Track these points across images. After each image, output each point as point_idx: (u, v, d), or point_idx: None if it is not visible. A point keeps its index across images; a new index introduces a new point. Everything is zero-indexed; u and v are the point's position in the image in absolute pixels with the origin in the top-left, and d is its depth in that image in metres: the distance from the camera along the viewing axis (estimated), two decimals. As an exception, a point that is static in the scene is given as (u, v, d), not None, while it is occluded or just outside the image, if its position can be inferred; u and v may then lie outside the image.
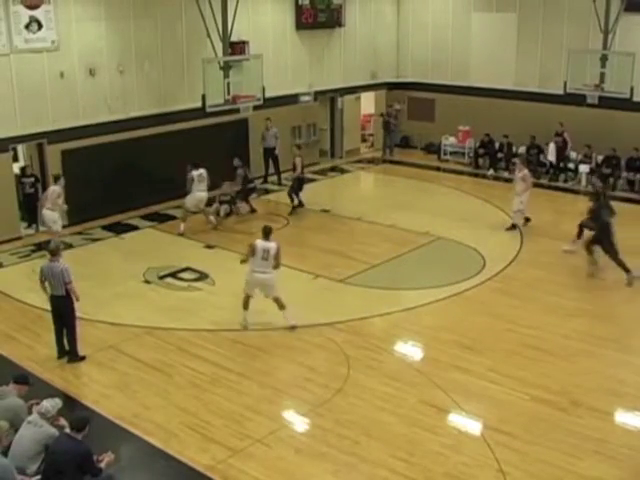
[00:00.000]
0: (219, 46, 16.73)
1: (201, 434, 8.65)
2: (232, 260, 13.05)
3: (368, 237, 15.83)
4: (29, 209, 15.88)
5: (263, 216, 17.19)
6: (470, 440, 8.60)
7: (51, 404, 7.30)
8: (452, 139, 22.70)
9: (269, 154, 19.63)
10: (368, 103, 23.94)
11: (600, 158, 19.66)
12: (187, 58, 18.06)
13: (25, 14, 15.09)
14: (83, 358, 10.43)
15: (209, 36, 16.44)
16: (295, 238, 16.02)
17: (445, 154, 22.77)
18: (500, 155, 21.33)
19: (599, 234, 13.38)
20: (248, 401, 9.36)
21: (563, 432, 8.61)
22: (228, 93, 16.51)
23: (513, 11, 21.27)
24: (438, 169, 21.99)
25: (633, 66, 17.97)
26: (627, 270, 13.01)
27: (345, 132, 23.01)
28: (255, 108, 17.55)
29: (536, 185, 17.44)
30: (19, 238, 15.47)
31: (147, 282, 13.34)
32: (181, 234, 15.71)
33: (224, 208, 16.86)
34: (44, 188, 15.85)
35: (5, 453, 7.04)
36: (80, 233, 16.02)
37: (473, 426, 8.84)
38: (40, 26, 15.34)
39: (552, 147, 20.04)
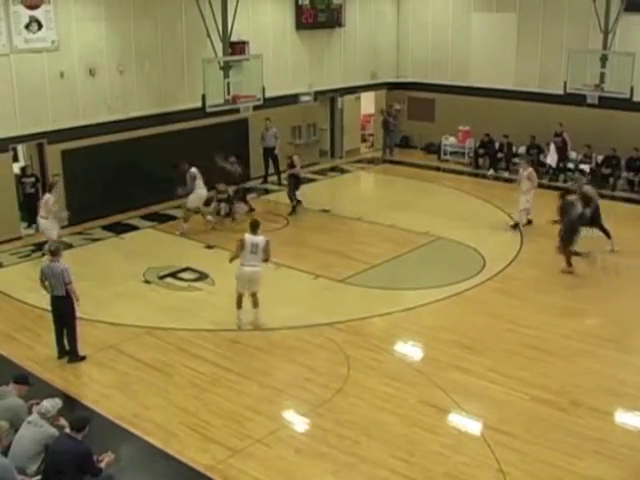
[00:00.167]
0: (219, 46, 16.73)
1: (201, 434, 8.66)
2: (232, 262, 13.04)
3: (368, 237, 15.83)
4: (29, 209, 15.85)
5: (263, 216, 17.15)
6: (470, 440, 8.61)
7: (51, 404, 7.30)
8: (452, 139, 22.70)
9: (269, 154, 19.62)
10: (368, 103, 23.94)
11: (600, 158, 19.67)
12: (187, 58, 18.06)
13: (25, 14, 15.09)
14: (83, 358, 10.43)
15: (209, 36, 16.44)
16: (295, 238, 16.04)
17: (445, 154, 22.77)
18: (500, 155, 21.33)
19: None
20: (248, 401, 9.36)
21: (563, 432, 8.61)
22: (228, 93, 16.51)
23: (513, 11, 21.27)
24: (438, 169, 21.99)
25: (633, 66, 17.97)
26: (569, 264, 13.47)
27: (345, 132, 23.01)
28: (255, 108, 17.56)
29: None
30: (19, 238, 15.47)
31: (147, 282, 13.34)
32: (183, 234, 15.70)
33: (224, 207, 16.81)
34: (44, 188, 15.87)
35: (5, 453, 7.04)
36: (80, 233, 16.02)
37: (473, 426, 8.84)
38: (40, 26, 15.34)
39: (552, 149, 20.03)
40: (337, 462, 8.12)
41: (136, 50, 17.15)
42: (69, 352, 10.42)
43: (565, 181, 20.01)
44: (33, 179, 15.92)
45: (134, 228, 16.50)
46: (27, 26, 15.17)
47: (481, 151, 21.73)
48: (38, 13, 15.27)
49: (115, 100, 16.91)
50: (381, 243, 15.32)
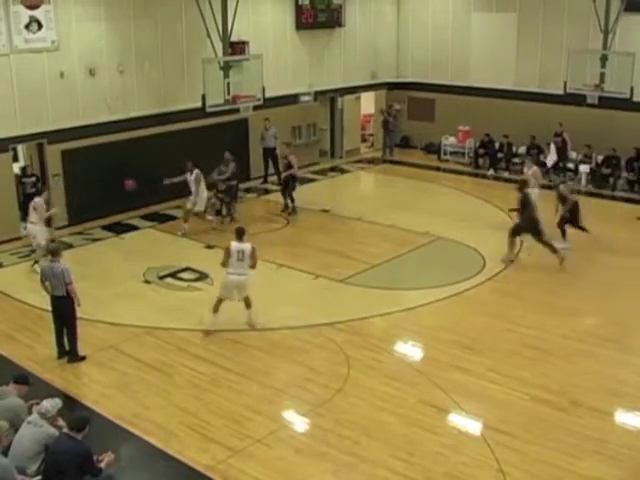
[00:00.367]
0: (219, 46, 16.73)
1: (201, 434, 8.66)
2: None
3: (368, 237, 15.83)
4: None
5: (263, 216, 17.22)
6: (470, 440, 8.61)
7: (51, 404, 7.30)
8: (452, 139, 22.71)
9: (269, 154, 19.60)
10: (368, 103, 23.94)
11: (600, 158, 19.67)
12: (187, 58, 18.06)
13: (25, 14, 15.09)
14: (83, 358, 10.43)
15: (209, 36, 16.44)
16: (295, 238, 16.04)
17: (445, 154, 22.78)
18: (500, 155, 21.34)
19: (524, 228, 13.90)
20: (248, 401, 9.37)
21: (563, 432, 8.61)
22: (228, 93, 16.51)
23: (513, 11, 21.28)
24: (438, 169, 22.00)
25: (633, 66, 17.98)
26: (555, 251, 13.75)
27: (345, 132, 23.02)
28: (255, 108, 17.55)
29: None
30: (19, 238, 15.45)
31: (147, 282, 13.34)
32: (185, 234, 15.68)
33: (225, 200, 16.59)
34: (44, 188, 15.87)
35: (5, 453, 7.04)
36: (80, 233, 16.04)
37: (473, 426, 8.84)
38: (40, 26, 15.34)
39: (552, 148, 20.04)
40: (337, 462, 8.12)
41: (136, 50, 17.15)
42: (69, 352, 10.42)
43: (563, 181, 20.01)
44: (33, 179, 15.93)
45: (134, 228, 16.50)
46: (27, 26, 15.17)
47: (481, 151, 21.73)
48: (38, 13, 15.27)
49: (115, 100, 16.91)
50: (381, 243, 15.33)
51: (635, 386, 9.71)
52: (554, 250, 13.72)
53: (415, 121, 23.87)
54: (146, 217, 17.14)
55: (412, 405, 9.25)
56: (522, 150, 20.88)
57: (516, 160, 21.01)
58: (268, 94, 17.53)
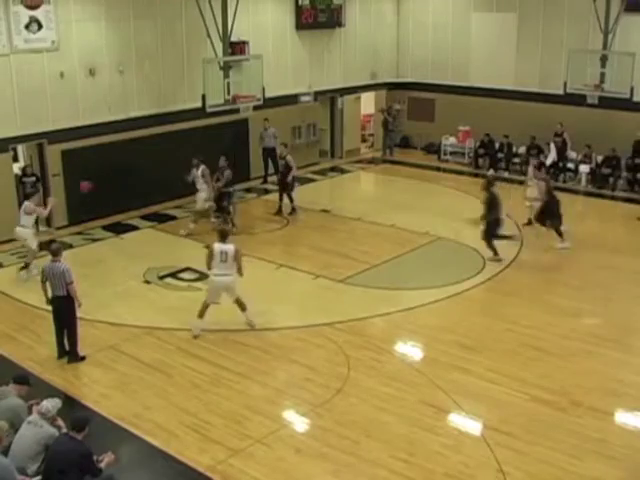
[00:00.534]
0: (219, 46, 16.74)
1: (201, 434, 8.66)
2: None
3: (368, 237, 15.83)
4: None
5: (263, 216, 17.21)
6: (470, 440, 8.60)
7: (51, 404, 7.30)
8: (452, 139, 22.72)
9: (268, 154, 19.60)
10: (368, 103, 23.95)
11: (600, 158, 19.66)
12: (187, 58, 18.07)
13: (25, 14, 15.09)
14: (83, 358, 10.43)
15: (209, 36, 16.45)
16: (295, 238, 16.05)
17: (445, 154, 22.78)
18: (500, 155, 21.34)
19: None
20: (248, 401, 9.36)
21: (563, 432, 8.61)
22: (228, 93, 16.53)
23: (513, 11, 21.28)
24: (438, 169, 22.00)
25: (633, 66, 17.98)
26: (495, 252, 14.00)
27: (345, 132, 23.02)
28: (255, 108, 17.57)
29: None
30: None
31: (147, 282, 13.34)
32: (189, 234, 15.57)
33: (224, 207, 16.57)
34: (45, 188, 15.89)
35: (5, 453, 7.04)
36: (80, 233, 16.04)
37: (473, 426, 8.84)
38: (40, 26, 15.34)
39: (552, 148, 20.03)
40: (337, 462, 8.12)
41: (136, 50, 17.15)
42: (69, 352, 10.42)
43: (565, 181, 20.03)
44: (33, 179, 15.90)
45: (134, 228, 16.50)
46: (27, 26, 15.17)
47: (481, 151, 21.74)
48: (38, 13, 15.27)
49: (115, 100, 16.90)
50: (381, 243, 15.32)
51: (635, 386, 9.70)
52: (495, 254, 13.93)
53: (415, 121, 23.88)
54: (146, 217, 17.13)
55: (412, 405, 9.24)
56: (522, 150, 20.87)
57: (516, 160, 21.03)
58: (268, 94, 17.54)
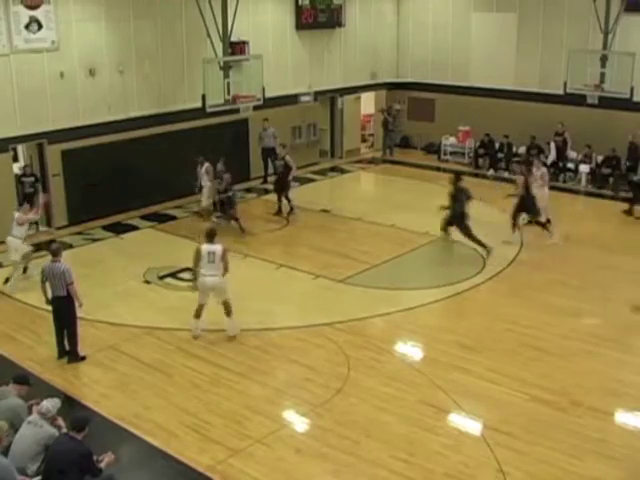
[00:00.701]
0: (219, 46, 16.74)
1: (201, 434, 8.66)
2: (232, 261, 13.01)
3: (368, 237, 15.83)
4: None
5: (262, 216, 17.20)
6: (470, 440, 8.60)
7: (51, 404, 7.30)
8: (452, 139, 22.72)
9: (268, 154, 19.58)
10: (368, 103, 23.95)
11: (600, 158, 19.66)
12: (187, 58, 18.06)
13: (25, 14, 15.09)
14: (83, 358, 10.43)
15: (209, 36, 16.45)
16: (295, 238, 16.05)
17: (445, 154, 22.78)
18: (500, 155, 21.34)
19: (453, 220, 14.32)
20: (248, 401, 9.36)
21: (563, 432, 8.61)
22: (228, 93, 16.52)
23: (513, 11, 21.28)
24: (438, 169, 21.97)
25: (633, 66, 18.00)
26: (484, 246, 14.12)
27: (345, 132, 23.02)
28: (255, 108, 17.57)
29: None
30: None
31: (147, 282, 13.34)
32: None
33: (227, 211, 16.49)
34: (44, 188, 15.88)
35: (5, 453, 7.03)
36: (80, 233, 16.04)
37: (473, 426, 8.84)
38: (40, 26, 15.34)
39: (552, 147, 20.03)
40: (337, 462, 8.12)
41: (136, 50, 17.14)
42: (69, 352, 10.42)
43: (565, 181, 20.02)
44: (32, 178, 15.89)
45: (134, 228, 16.50)
46: (27, 26, 15.17)
47: (481, 151, 21.74)
48: (38, 13, 15.27)
49: (115, 100, 16.90)
50: (381, 243, 15.32)
51: (635, 386, 9.70)
52: (483, 245, 14.06)
53: (415, 121, 23.88)
54: (146, 217, 17.13)
55: (412, 405, 9.24)
56: (522, 150, 20.87)
57: (517, 160, 20.98)
58: (268, 94, 17.53)
